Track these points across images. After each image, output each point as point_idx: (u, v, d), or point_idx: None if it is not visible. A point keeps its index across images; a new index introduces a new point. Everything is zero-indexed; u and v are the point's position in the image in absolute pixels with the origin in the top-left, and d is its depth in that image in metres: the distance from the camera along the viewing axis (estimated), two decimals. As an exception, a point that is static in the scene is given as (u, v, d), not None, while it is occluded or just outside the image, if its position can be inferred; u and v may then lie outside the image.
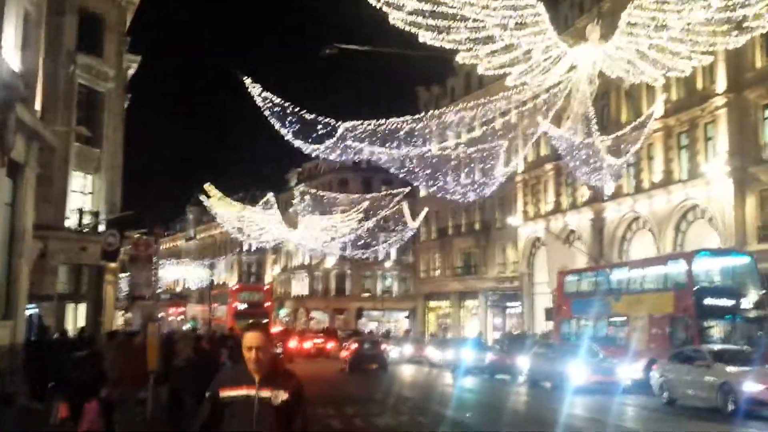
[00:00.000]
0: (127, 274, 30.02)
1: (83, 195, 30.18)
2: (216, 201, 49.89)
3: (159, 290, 79.51)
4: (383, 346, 37.75)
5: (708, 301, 23.97)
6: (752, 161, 30.87)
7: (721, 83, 32.40)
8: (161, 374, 12.80)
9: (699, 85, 33.92)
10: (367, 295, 73.78)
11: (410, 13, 17.27)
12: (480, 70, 19.25)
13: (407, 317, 69.12)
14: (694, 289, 24.22)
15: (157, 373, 13.33)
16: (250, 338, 4.82)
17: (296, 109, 24.35)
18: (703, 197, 33.58)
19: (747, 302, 24.01)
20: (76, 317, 29.37)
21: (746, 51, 30.58)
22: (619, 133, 31.82)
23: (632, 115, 37.49)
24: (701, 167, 33.46)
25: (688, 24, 18.87)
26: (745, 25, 18.85)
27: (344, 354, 36.53)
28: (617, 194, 39.57)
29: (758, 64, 31.06)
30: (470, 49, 18.11)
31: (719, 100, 32.40)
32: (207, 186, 47.23)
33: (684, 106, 34.83)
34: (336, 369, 34.71)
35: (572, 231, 44.28)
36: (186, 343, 13.12)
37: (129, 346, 14.85)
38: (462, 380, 29.08)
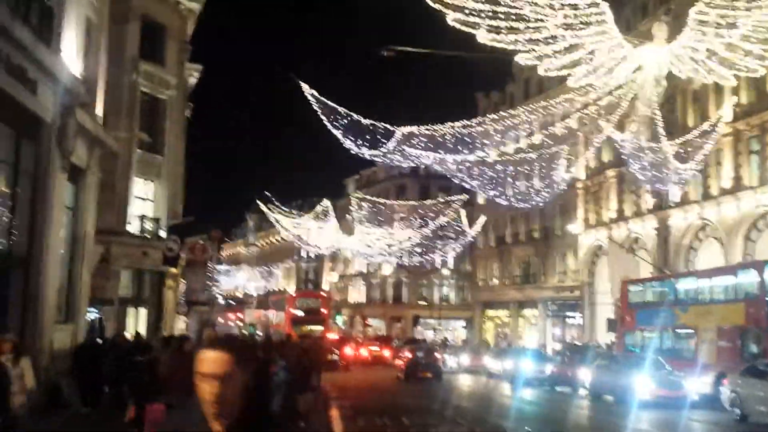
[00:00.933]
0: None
1: (145, 201, 30.57)
2: (274, 209, 50.28)
3: (218, 296, 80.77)
4: (437, 355, 37.18)
5: (781, 312, 22.84)
6: (829, 166, 29.46)
7: (794, 85, 31.06)
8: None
9: (771, 88, 32.59)
10: (423, 303, 73.21)
11: (468, 14, 16.90)
12: (540, 72, 18.72)
13: (464, 326, 68.36)
14: (767, 299, 23.11)
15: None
16: (206, 362, 3.03)
17: (353, 115, 24.19)
18: (775, 204, 32.21)
19: (824, 314, 22.77)
20: (137, 321, 29.75)
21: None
22: (686, 137, 30.72)
23: (699, 119, 36.27)
24: (773, 173, 32.11)
25: (760, 21, 18.04)
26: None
27: (399, 362, 36.19)
28: (683, 201, 38.31)
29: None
30: (531, 50, 17.62)
31: (792, 104, 31.06)
32: (266, 193, 47.52)
33: (754, 110, 33.52)
34: (392, 377, 34.35)
35: (636, 239, 43.08)
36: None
37: (181, 352, 14.71)
38: (521, 391, 28.39)
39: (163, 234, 30.09)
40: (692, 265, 38.15)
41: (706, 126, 32.37)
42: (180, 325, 44.86)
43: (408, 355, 35.53)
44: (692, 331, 27.21)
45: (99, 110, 20.90)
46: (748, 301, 24.08)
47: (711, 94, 36.52)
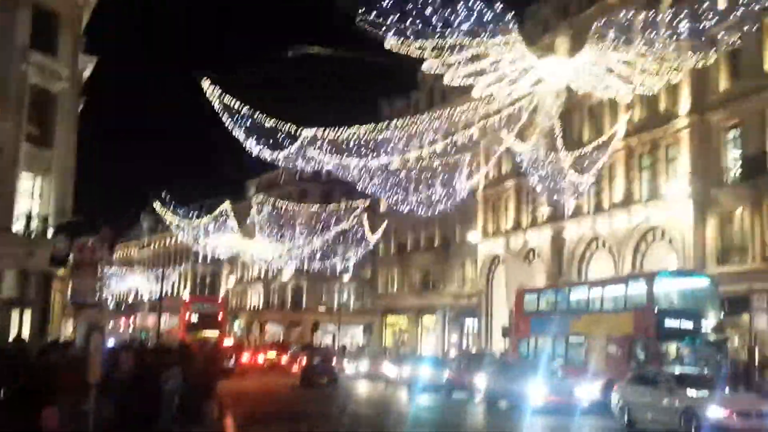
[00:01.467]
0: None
1: (32, 198, 28.97)
2: (170, 210, 48.76)
3: (109, 299, 77.74)
4: (334, 361, 36.72)
5: (668, 322, 23.78)
6: (713, 184, 30.97)
7: (684, 105, 32.53)
8: (103, 386, 11.98)
9: (662, 106, 34.04)
10: (323, 308, 72.85)
11: (378, 17, 16.81)
12: (446, 80, 18.81)
13: (363, 332, 68.36)
14: (655, 310, 24.02)
15: (99, 386, 12.47)
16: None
17: (256, 115, 23.70)
18: (663, 219, 33.63)
19: (707, 325, 23.87)
20: (21, 325, 28.15)
21: (710, 73, 30.81)
22: (582, 150, 31.71)
23: (595, 134, 37.53)
24: (662, 188, 33.52)
25: (657, 40, 18.73)
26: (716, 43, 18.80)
27: (295, 368, 35.68)
28: (577, 213, 39.52)
29: (722, 86, 31.23)
30: (438, 56, 17.68)
31: (682, 122, 32.53)
32: (162, 193, 46.07)
33: (647, 127, 34.91)
34: (288, 383, 33.90)
35: (532, 249, 44.15)
36: (127, 354, 12.30)
37: (68, 357, 13.96)
38: (418, 398, 28.47)
39: (51, 233, 28.57)
40: (584, 275, 39.36)
41: (600, 141, 33.56)
42: (69, 329, 42.91)
43: (304, 360, 35.05)
44: (583, 339, 27.99)
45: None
46: (637, 311, 24.94)
47: (606, 111, 37.84)
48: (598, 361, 26.12)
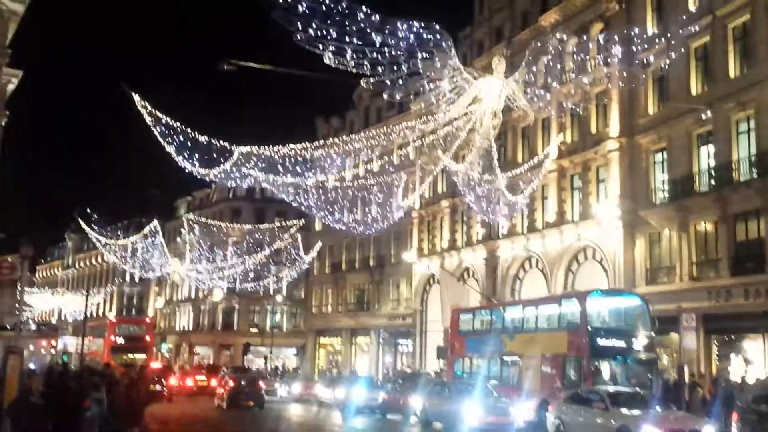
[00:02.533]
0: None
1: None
2: (97, 228, 47.33)
3: (29, 320, 74.72)
4: (261, 384, 36.57)
5: (601, 341, 23.98)
6: (642, 204, 31.62)
7: (614, 127, 33.20)
8: (15, 413, 11.27)
9: (593, 128, 34.70)
10: (255, 330, 71.59)
11: (315, 34, 16.56)
12: (385, 96, 18.67)
13: (296, 354, 67.39)
14: (588, 329, 24.22)
15: (11, 412, 11.72)
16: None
17: (188, 131, 23.10)
18: (594, 238, 34.16)
19: (638, 344, 24.17)
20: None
21: (639, 97, 31.55)
22: (516, 171, 32.01)
23: (528, 155, 38.00)
24: (593, 209, 34.08)
25: (588, 63, 19.05)
26: (644, 66, 19.20)
27: (220, 391, 34.93)
28: (511, 233, 39.88)
29: (650, 110, 32.00)
30: (375, 74, 17.53)
31: (612, 144, 33.17)
32: (88, 210, 44.73)
33: (578, 149, 35.51)
34: (216, 407, 33.13)
35: (467, 269, 44.31)
36: (37, 378, 11.60)
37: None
38: (352, 420, 27.99)
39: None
40: (518, 294, 39.66)
41: (534, 162, 33.96)
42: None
43: (231, 383, 34.36)
44: (518, 358, 28.05)
45: None
46: (570, 330, 25.10)
47: (539, 132, 38.43)
48: (532, 380, 26.16)
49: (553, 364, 25.66)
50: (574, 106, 20.61)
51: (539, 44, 18.83)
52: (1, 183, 31.58)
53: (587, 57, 19.04)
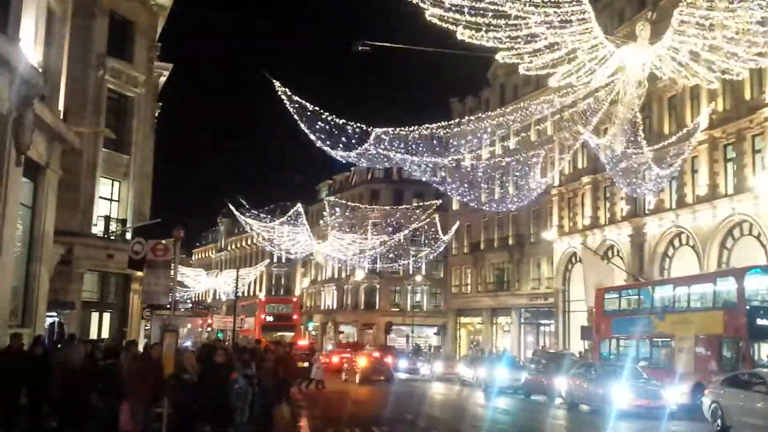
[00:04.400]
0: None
1: (111, 202, 29.62)
2: (246, 212, 49.40)
3: (187, 300, 79.21)
4: (389, 359, 39.73)
5: (761, 321, 22.52)
6: (805, 175, 29.31)
7: (772, 93, 30.94)
8: (172, 388, 12.02)
9: (747, 95, 32.46)
10: (396, 309, 72.60)
11: (448, 10, 16.32)
12: (521, 70, 18.19)
13: (436, 333, 67.74)
14: (746, 308, 22.78)
15: (169, 387, 12.47)
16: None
17: (326, 114, 23.52)
18: (750, 212, 32.03)
19: (802, 324, 22.49)
20: (100, 326, 28.75)
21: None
22: (664, 143, 30.45)
23: (675, 126, 36.10)
24: (749, 181, 31.94)
25: (744, 23, 17.68)
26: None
27: (355, 366, 36.76)
28: (658, 209, 38.10)
29: (813, 72, 29.56)
30: (511, 48, 17.09)
31: (769, 111, 30.92)
32: (238, 197, 46.78)
33: (731, 118, 33.34)
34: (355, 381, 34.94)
35: (610, 247, 42.83)
36: (189, 355, 12.24)
37: (145, 358, 14.01)
38: (495, 400, 27.81)
39: (129, 236, 29.10)
40: (667, 273, 37.92)
41: (682, 133, 32.21)
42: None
43: (362, 360, 36.82)
44: (669, 339, 26.85)
45: (61, 105, 19.98)
46: (727, 310, 23.75)
47: (687, 102, 36.41)
48: (685, 362, 24.98)
49: (707, 345, 24.39)
50: (725, 72, 19.19)
51: (686, 7, 17.63)
52: (156, 171, 33.57)
53: (740, 19, 17.63)
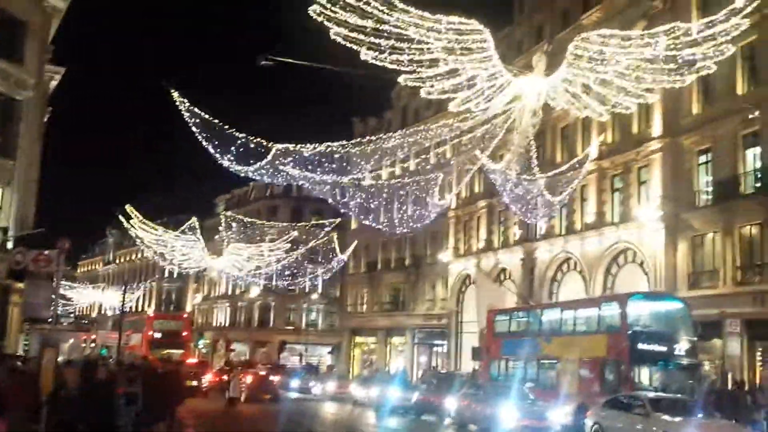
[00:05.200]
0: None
1: (-8, 209, 28.15)
2: (137, 224, 47.78)
3: (69, 314, 75.88)
4: (276, 378, 39.82)
5: (642, 345, 23.52)
6: (685, 207, 30.94)
7: (656, 128, 32.59)
8: (51, 404, 11.40)
9: (635, 128, 34.10)
10: (290, 327, 71.89)
11: (352, 30, 16.39)
12: (423, 94, 18.45)
13: (330, 352, 67.45)
14: (629, 333, 23.76)
15: (48, 402, 11.84)
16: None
17: (226, 127, 23.13)
18: (634, 241, 33.54)
19: (680, 349, 23.66)
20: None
21: (683, 97, 30.90)
22: (555, 171, 31.56)
23: (567, 155, 37.49)
24: (634, 211, 33.48)
25: (634, 60, 18.59)
26: (690, 65, 18.67)
27: (239, 385, 35.80)
28: (549, 234, 39.38)
29: (694, 110, 31.32)
30: (413, 71, 17.30)
31: (654, 145, 32.56)
32: (128, 208, 45.22)
33: (619, 149, 34.92)
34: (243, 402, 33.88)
35: (503, 270, 43.90)
36: (72, 371, 11.69)
37: (22, 373, 13.28)
38: (386, 420, 27.84)
39: (10, 245, 27.66)
40: (555, 296, 39.14)
41: (573, 162, 33.45)
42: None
43: (249, 378, 36.44)
44: (555, 361, 27.65)
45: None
46: (610, 334, 24.67)
47: (579, 132, 37.90)
48: (569, 384, 25.77)
49: (591, 367, 25.26)
50: (615, 106, 20.13)
51: (580, 42, 18.40)
52: (43, 178, 32.12)
53: (630, 54, 18.55)
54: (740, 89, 29.25)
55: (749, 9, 17.12)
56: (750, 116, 27.92)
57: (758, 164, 28.18)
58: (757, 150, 28.30)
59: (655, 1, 33.00)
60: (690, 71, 19.43)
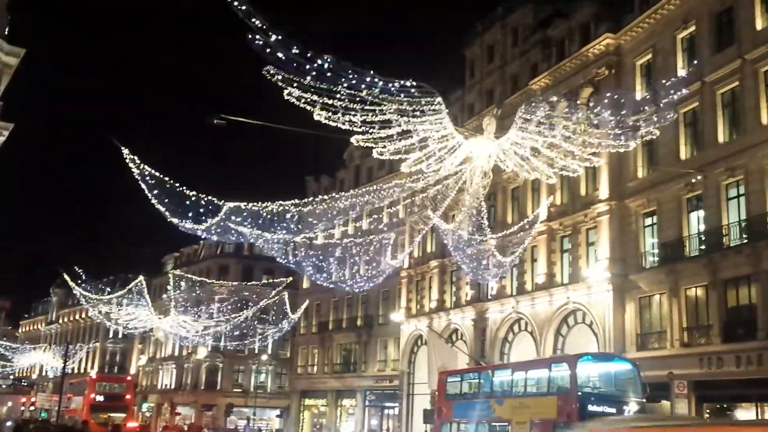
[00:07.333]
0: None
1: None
2: (82, 284, 46.76)
3: (9, 376, 73.08)
4: None
5: (591, 407, 23.36)
6: (632, 268, 31.46)
7: (603, 190, 33.32)
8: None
9: (582, 191, 34.81)
10: (239, 390, 70.26)
11: (306, 90, 16.55)
12: (375, 154, 18.62)
13: (279, 416, 66.00)
14: (578, 393, 23.71)
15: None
16: None
17: (177, 186, 22.92)
18: (584, 302, 33.87)
19: (629, 410, 23.65)
20: None
21: (628, 161, 31.75)
22: (507, 232, 31.93)
23: (518, 216, 37.99)
24: (583, 272, 33.90)
25: (580, 125, 19.10)
26: (634, 131, 19.25)
27: None
28: (500, 294, 39.55)
29: (640, 174, 32.19)
30: (366, 132, 17.50)
31: (601, 207, 33.22)
32: (71, 270, 44.35)
33: (567, 211, 35.54)
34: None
35: (455, 330, 43.79)
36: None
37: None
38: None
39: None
40: (507, 357, 39.09)
41: (523, 223, 33.91)
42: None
43: None
44: (506, 424, 27.36)
45: None
46: (560, 395, 24.54)
47: (528, 194, 38.52)
48: (521, 447, 25.47)
49: (541, 429, 25.04)
50: (563, 169, 20.59)
51: (529, 107, 18.88)
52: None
53: (576, 121, 19.09)
54: (683, 154, 30.19)
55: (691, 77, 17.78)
56: (693, 180, 28.75)
57: (702, 227, 28.91)
58: (701, 213, 29.09)
59: (600, 68, 34.14)
60: (634, 136, 20.04)
